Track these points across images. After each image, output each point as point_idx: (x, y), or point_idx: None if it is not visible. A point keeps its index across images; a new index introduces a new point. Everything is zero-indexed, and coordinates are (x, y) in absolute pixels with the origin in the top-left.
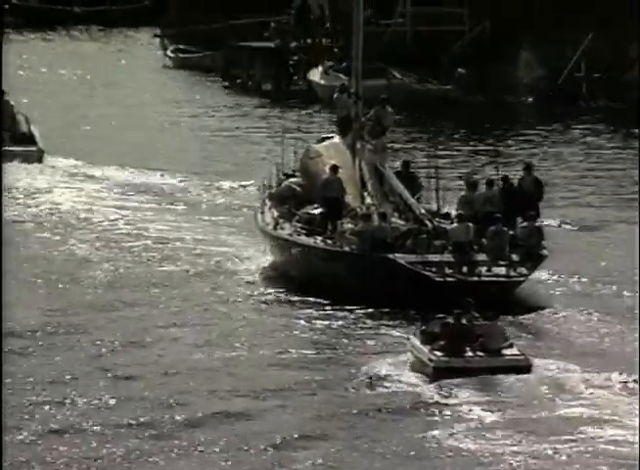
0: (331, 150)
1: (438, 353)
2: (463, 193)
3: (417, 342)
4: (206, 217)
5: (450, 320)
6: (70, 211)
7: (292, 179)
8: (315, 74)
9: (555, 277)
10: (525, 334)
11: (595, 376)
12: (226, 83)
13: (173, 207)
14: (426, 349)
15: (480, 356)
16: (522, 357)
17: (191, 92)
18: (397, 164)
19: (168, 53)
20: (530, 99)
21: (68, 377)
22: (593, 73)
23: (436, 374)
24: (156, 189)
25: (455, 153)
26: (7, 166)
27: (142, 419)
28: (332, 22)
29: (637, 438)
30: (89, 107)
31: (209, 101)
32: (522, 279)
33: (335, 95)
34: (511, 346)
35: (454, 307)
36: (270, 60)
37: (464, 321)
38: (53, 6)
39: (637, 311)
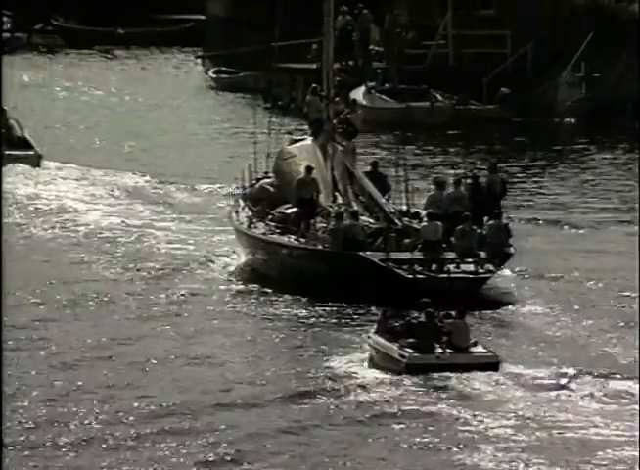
0: (304, 151)
1: (410, 350)
2: (431, 192)
3: (381, 339)
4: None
5: (412, 318)
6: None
7: (265, 180)
8: (358, 95)
9: (521, 274)
10: (493, 329)
11: (552, 371)
12: (268, 105)
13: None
14: (395, 346)
15: (450, 353)
16: (491, 355)
17: (231, 112)
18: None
19: (210, 74)
20: (572, 120)
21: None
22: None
23: (410, 370)
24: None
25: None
26: (5, 170)
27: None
28: (375, 43)
29: (637, 437)
30: (126, 126)
31: (249, 121)
32: (488, 276)
33: (307, 97)
34: (475, 343)
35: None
36: (312, 81)
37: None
38: (95, 27)
39: (637, 312)
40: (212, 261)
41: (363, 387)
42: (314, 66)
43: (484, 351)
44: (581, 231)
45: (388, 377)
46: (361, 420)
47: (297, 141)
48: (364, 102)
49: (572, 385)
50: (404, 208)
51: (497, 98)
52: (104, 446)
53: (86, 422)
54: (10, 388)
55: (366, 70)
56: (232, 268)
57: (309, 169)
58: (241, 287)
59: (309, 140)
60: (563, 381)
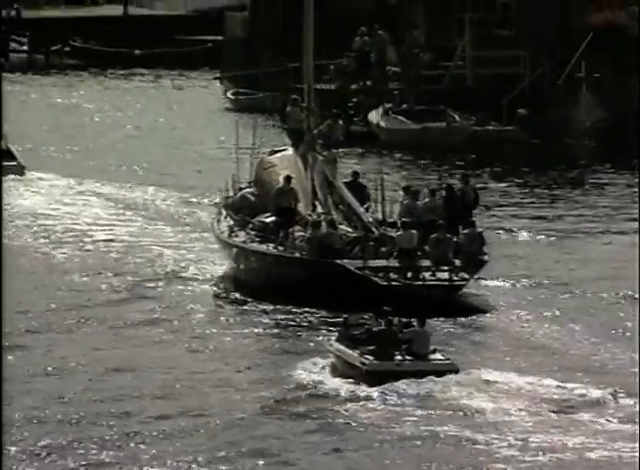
0: (284, 161)
1: (370, 357)
2: (405, 202)
3: (341, 346)
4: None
5: (372, 326)
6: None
7: (246, 189)
8: (375, 116)
9: (495, 281)
10: (466, 335)
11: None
12: (285, 125)
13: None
14: (355, 353)
15: (410, 360)
16: (449, 362)
17: (247, 132)
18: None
19: (228, 95)
20: (590, 141)
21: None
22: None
23: (370, 377)
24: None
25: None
26: None
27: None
28: (392, 64)
29: (637, 437)
30: (143, 145)
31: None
32: (463, 283)
33: (287, 108)
34: (434, 351)
35: (401, 311)
36: (329, 102)
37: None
38: (113, 48)
39: (637, 314)
40: (194, 269)
41: (321, 395)
42: (332, 86)
43: (443, 358)
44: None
45: (347, 384)
46: (313, 429)
47: (277, 151)
48: (382, 123)
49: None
50: (380, 216)
51: (516, 119)
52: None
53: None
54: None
55: (383, 90)
56: (213, 276)
57: (288, 179)
58: (220, 294)
59: (290, 150)
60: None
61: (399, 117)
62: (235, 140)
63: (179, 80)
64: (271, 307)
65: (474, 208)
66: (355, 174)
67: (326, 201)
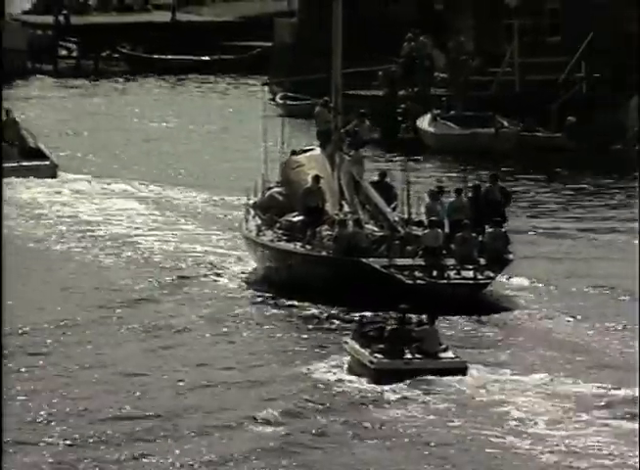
0: (312, 161)
1: (379, 356)
2: (427, 202)
3: (356, 345)
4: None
5: (385, 324)
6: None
7: (274, 189)
8: (423, 122)
9: (520, 280)
10: (491, 333)
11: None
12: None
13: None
14: (366, 352)
15: (419, 359)
16: (457, 360)
17: (296, 137)
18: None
19: (277, 100)
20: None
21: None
22: None
23: (378, 375)
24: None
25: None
26: (21, 181)
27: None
28: (440, 70)
29: (637, 436)
30: (190, 150)
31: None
32: (488, 281)
33: (316, 109)
34: (446, 349)
35: (424, 309)
36: (377, 108)
37: (405, 325)
38: (161, 55)
39: (637, 314)
40: (222, 267)
41: (334, 393)
42: (381, 93)
43: (453, 356)
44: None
45: (357, 383)
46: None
47: (305, 151)
48: (430, 129)
49: None
50: (406, 216)
51: (564, 126)
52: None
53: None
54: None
55: (431, 96)
56: (241, 274)
57: (317, 179)
58: (247, 292)
59: (318, 150)
60: None
61: (448, 124)
62: (264, 140)
63: (228, 86)
64: (297, 305)
65: (503, 207)
66: (382, 174)
67: (352, 200)
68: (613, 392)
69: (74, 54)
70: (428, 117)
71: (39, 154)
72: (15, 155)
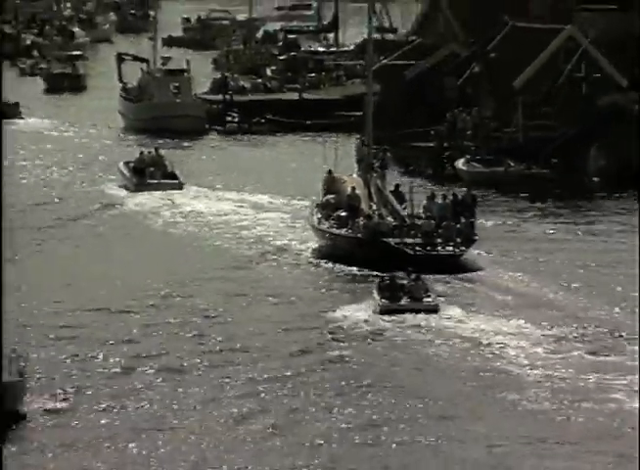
0: (351, 179)
1: (385, 301)
2: (424, 202)
3: (375, 294)
4: None
5: (389, 280)
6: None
7: (329, 195)
8: (459, 164)
9: (482, 252)
10: (462, 285)
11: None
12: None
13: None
14: (378, 297)
15: (409, 301)
16: (433, 303)
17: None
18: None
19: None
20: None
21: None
22: None
23: (383, 313)
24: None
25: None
26: (161, 193)
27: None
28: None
29: (637, 433)
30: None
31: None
32: (462, 253)
33: (356, 143)
34: (429, 296)
35: (415, 271)
36: (430, 155)
37: (401, 281)
38: (292, 119)
39: (637, 311)
40: (297, 245)
41: (358, 320)
42: (432, 144)
43: (430, 301)
44: None
45: (373, 316)
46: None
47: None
48: (464, 168)
49: None
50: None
51: (549, 164)
52: None
53: None
54: None
55: (464, 147)
56: (308, 250)
57: (354, 189)
58: (312, 260)
59: (355, 174)
60: None
61: (475, 164)
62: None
63: (333, 140)
64: (342, 268)
65: (472, 207)
66: (397, 186)
67: (378, 202)
68: (543, 324)
69: (236, 120)
70: (462, 160)
71: (173, 175)
72: (158, 176)
